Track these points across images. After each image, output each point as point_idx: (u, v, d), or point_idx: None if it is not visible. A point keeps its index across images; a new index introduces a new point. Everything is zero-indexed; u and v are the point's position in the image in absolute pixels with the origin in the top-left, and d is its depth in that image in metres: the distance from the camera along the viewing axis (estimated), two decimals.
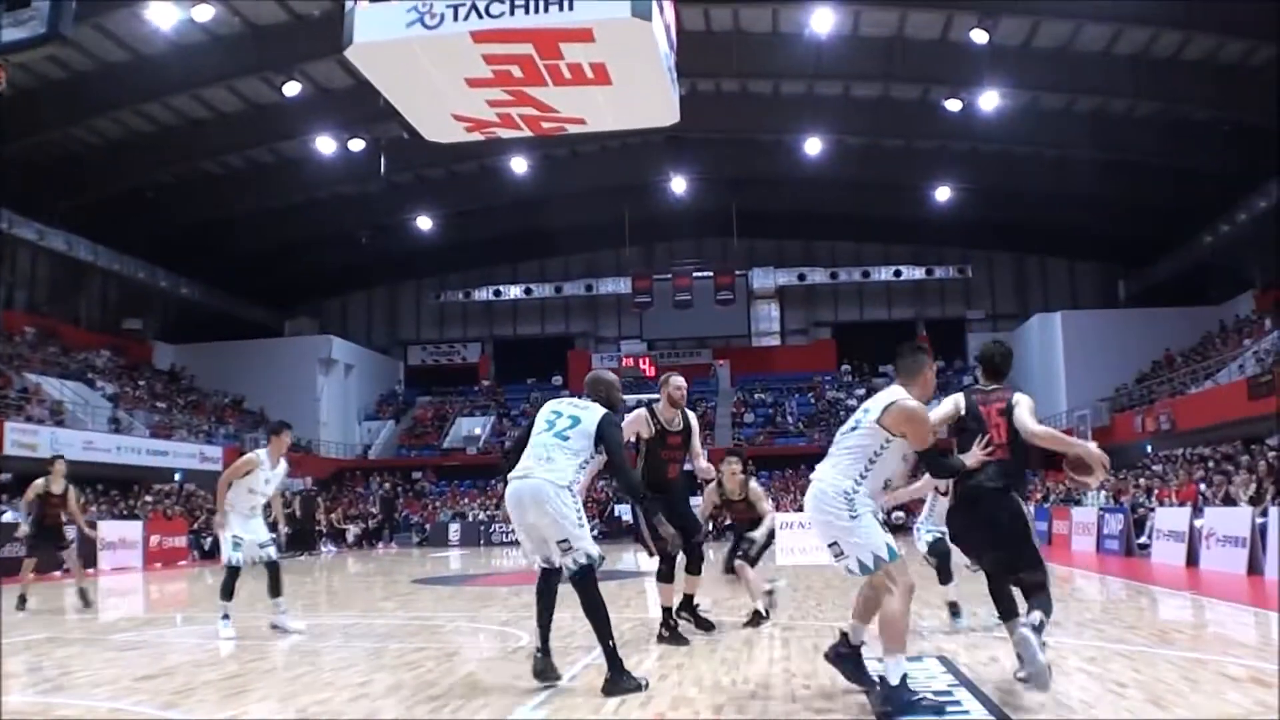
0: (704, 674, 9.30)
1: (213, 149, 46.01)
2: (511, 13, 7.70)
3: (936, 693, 7.94)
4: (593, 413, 9.24)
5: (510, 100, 8.80)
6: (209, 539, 39.00)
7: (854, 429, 8.07)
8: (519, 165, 48.44)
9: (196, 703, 8.74)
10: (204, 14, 35.03)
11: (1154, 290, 53.96)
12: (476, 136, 9.84)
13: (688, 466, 12.09)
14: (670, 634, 11.46)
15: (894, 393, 8.10)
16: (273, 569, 13.48)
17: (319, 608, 18.41)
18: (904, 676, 7.50)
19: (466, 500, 54.14)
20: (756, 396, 62.06)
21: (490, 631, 12.77)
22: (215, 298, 59.05)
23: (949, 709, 7.41)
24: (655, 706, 7.81)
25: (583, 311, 66.88)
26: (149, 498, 40.26)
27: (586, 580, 8.69)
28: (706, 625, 12.40)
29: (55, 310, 52.09)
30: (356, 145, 44.33)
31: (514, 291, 65.16)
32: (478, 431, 60.71)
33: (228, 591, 13.40)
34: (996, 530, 8.38)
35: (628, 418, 11.42)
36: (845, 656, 8.08)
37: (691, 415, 12.05)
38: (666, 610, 11.75)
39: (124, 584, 27.96)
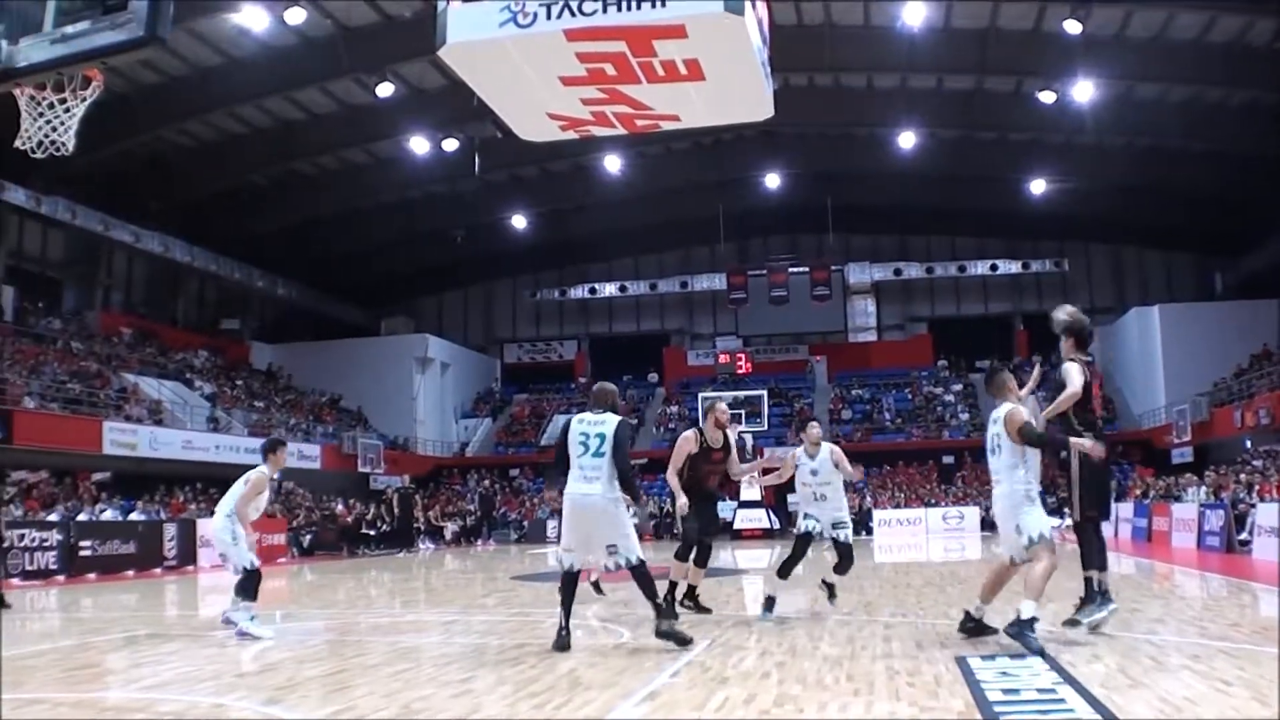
0: (807, 671, 9.21)
1: (307, 150, 46.36)
2: (604, 10, 7.68)
3: (1040, 690, 7.85)
4: (610, 423, 11.10)
5: (604, 98, 8.78)
6: (308, 536, 39.39)
7: (998, 450, 10.29)
8: (612, 163, 48.45)
9: (299, 699, 8.78)
10: (295, 17, 35.26)
11: (1251, 282, 52.93)
12: (571, 135, 9.85)
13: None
14: (666, 606, 11.55)
15: (1001, 410, 10.33)
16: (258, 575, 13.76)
17: (418, 604, 18.48)
18: (1033, 618, 9.59)
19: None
20: (854, 392, 61.35)
21: (590, 628, 12.75)
22: (311, 298, 59.54)
23: (1053, 707, 7.31)
24: (759, 704, 7.74)
25: (678, 308, 66.66)
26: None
27: (640, 569, 10.93)
28: (704, 610, 14.20)
29: (152, 311, 52.75)
30: (450, 145, 44.47)
31: (609, 289, 65.17)
32: None
33: (256, 593, 13.66)
34: None
35: (679, 439, 14.04)
36: (974, 629, 10.57)
37: (732, 434, 14.05)
38: (673, 585, 13.12)
39: (224, 581, 28.21)
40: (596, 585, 16.31)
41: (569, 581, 11.27)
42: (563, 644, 10.98)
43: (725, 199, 53.72)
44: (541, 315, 68.39)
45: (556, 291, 65.86)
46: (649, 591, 10.94)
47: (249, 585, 13.62)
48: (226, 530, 13.74)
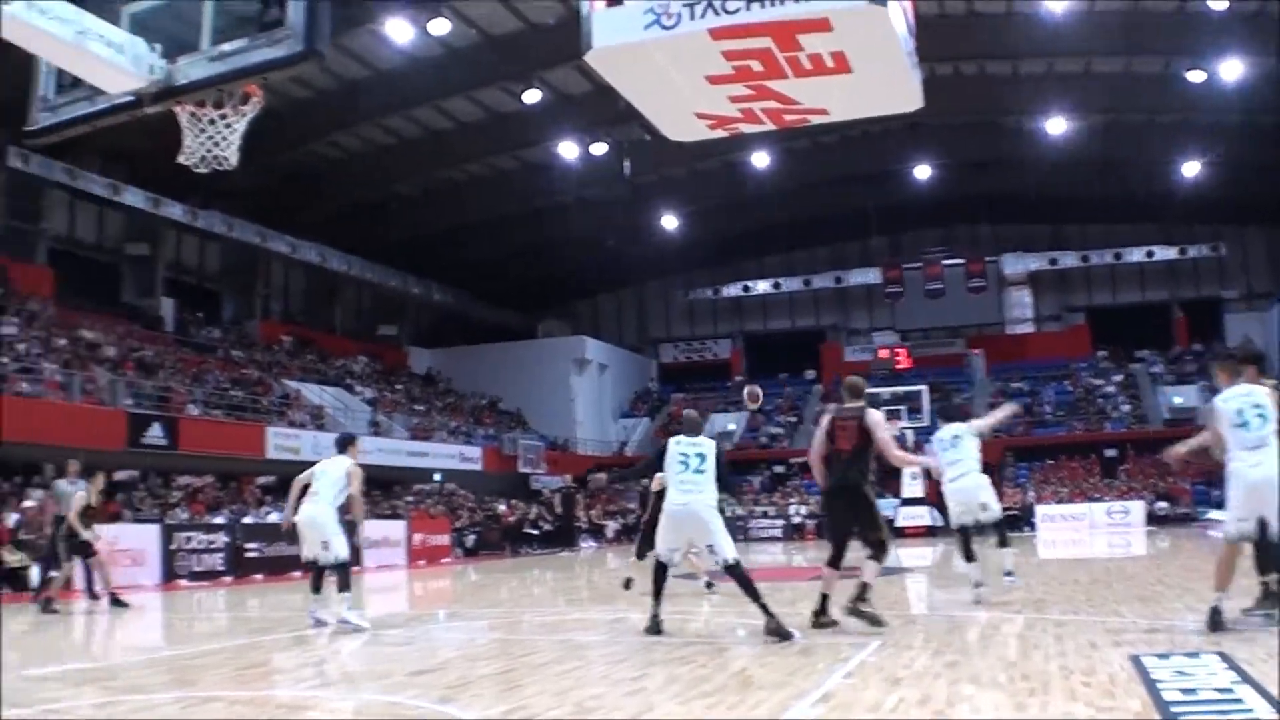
0: (980, 670, 9.07)
1: (457, 158, 46.96)
2: (748, 7, 7.60)
3: (1219, 689, 7.63)
4: (709, 445, 12.76)
5: (752, 95, 8.70)
6: (471, 536, 39.78)
7: (1256, 422, 10.28)
8: (760, 159, 48.36)
9: (472, 697, 8.82)
10: (440, 28, 35.67)
11: None
12: (720, 133, 9.77)
13: None
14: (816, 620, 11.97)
15: (1251, 386, 10.50)
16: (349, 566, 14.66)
17: (583, 602, 18.52)
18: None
19: (724, 496, 54.05)
20: (1013, 386, 59.75)
21: (758, 627, 12.67)
22: (467, 303, 60.23)
23: (1232, 708, 7.10)
24: (933, 704, 7.63)
25: (832, 304, 66.37)
26: (410, 497, 41.15)
27: (736, 569, 12.12)
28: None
29: (310, 319, 53.84)
30: (599, 149, 44.69)
31: (762, 286, 65.01)
32: (731, 427, 60.60)
33: (350, 584, 14.49)
34: None
35: (880, 419, 12.39)
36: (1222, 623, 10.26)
37: (894, 429, 14.09)
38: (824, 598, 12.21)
39: (389, 581, 28.58)
40: (709, 584, 17.79)
41: (661, 572, 12.79)
42: (655, 628, 12.47)
43: (876, 192, 53.38)
44: (695, 314, 68.51)
45: (710, 290, 65.90)
46: (749, 592, 11.98)
47: (346, 577, 14.38)
48: (335, 520, 14.40)
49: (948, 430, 15.81)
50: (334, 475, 14.60)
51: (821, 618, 11.93)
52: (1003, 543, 15.86)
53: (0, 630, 8.34)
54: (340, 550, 14.37)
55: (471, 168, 49.15)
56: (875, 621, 11.64)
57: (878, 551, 12.07)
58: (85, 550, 19.52)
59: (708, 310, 68.26)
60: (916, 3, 8.52)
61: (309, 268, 51.17)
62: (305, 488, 14.62)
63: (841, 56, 8.02)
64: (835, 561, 12.22)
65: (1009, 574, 15.62)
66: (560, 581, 25.03)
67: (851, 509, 12.14)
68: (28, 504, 24.32)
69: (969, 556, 15.02)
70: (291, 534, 14.83)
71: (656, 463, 13.18)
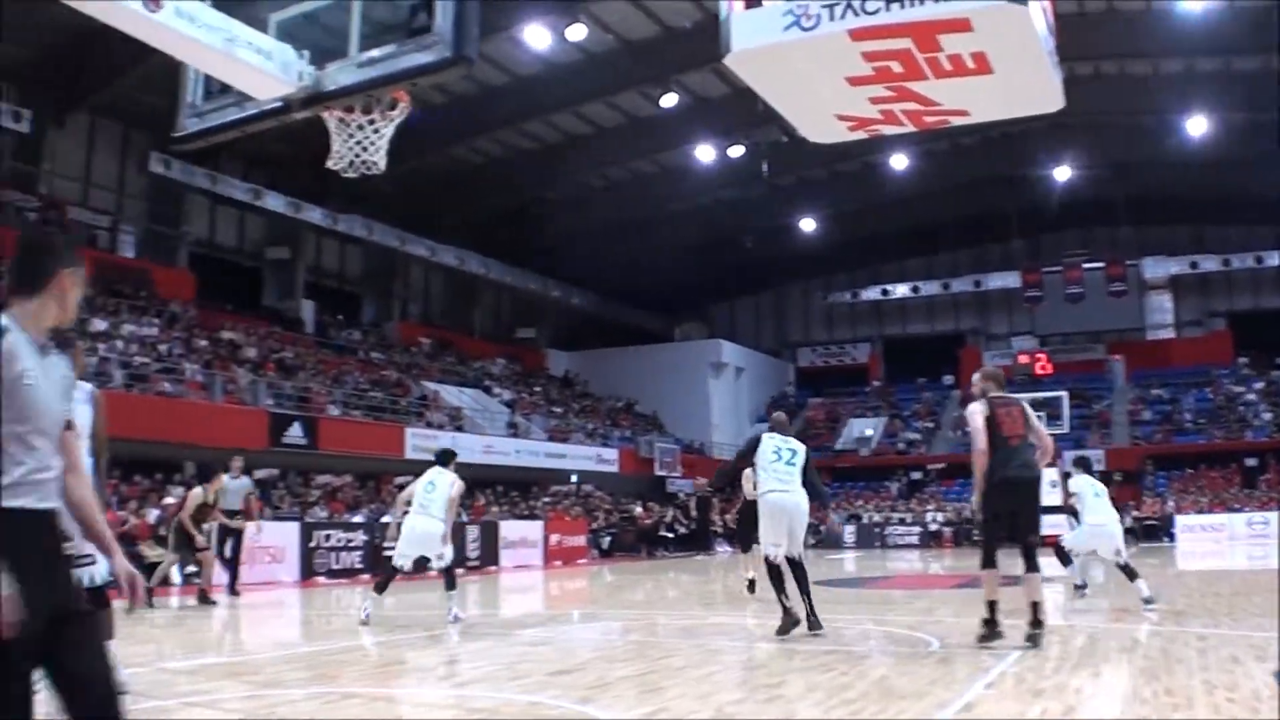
0: (1122, 684, 8.97)
1: (595, 163, 47.15)
2: (887, 8, 7.53)
3: None
4: (800, 446, 13.82)
5: (892, 96, 8.62)
6: (607, 538, 39.93)
7: None
8: (899, 161, 47.99)
9: (613, 698, 8.87)
10: (577, 34, 35.85)
11: None
12: (860, 135, 9.69)
13: None
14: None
15: None
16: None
17: (719, 606, 18.49)
18: None
19: (861, 502, 53.80)
20: (1153, 392, 58.77)
21: (897, 635, 12.56)
22: (605, 306, 60.50)
23: None
24: (1077, 717, 7.51)
25: (972, 308, 65.55)
26: (547, 498, 41.39)
27: (798, 564, 13.11)
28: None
29: (449, 322, 54.42)
30: (736, 151, 44.67)
31: (901, 290, 64.43)
32: (869, 433, 60.24)
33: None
34: None
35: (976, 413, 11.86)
36: None
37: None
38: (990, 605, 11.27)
39: (525, 581, 28.74)
40: (751, 585, 18.79)
41: (777, 572, 13.06)
42: (792, 623, 12.66)
43: (1015, 193, 52.70)
44: (834, 318, 68.18)
45: (848, 293, 65.54)
46: (803, 587, 12.91)
47: (452, 579, 15.68)
48: (444, 532, 15.35)
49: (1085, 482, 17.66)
50: (442, 490, 15.46)
51: (995, 628, 11.15)
52: (1131, 577, 15.68)
53: (109, 624, 8.45)
54: (449, 557, 15.53)
55: (610, 171, 49.36)
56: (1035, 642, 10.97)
57: (1035, 560, 11.35)
58: (191, 547, 20.07)
59: (846, 314, 67.83)
60: (1056, 1, 8.39)
61: (448, 271, 51.76)
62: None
63: (982, 57, 7.92)
64: (991, 559, 11.47)
65: (1148, 601, 15.25)
66: (696, 585, 25.03)
67: (1033, 502, 11.58)
68: (168, 500, 24.73)
69: (1067, 560, 17.00)
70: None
71: (749, 455, 13.76)
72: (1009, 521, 11.38)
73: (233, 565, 22.10)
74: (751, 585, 19.06)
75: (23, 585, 3.61)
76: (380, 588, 15.55)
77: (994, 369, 12.30)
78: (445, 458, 16.09)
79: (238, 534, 21.90)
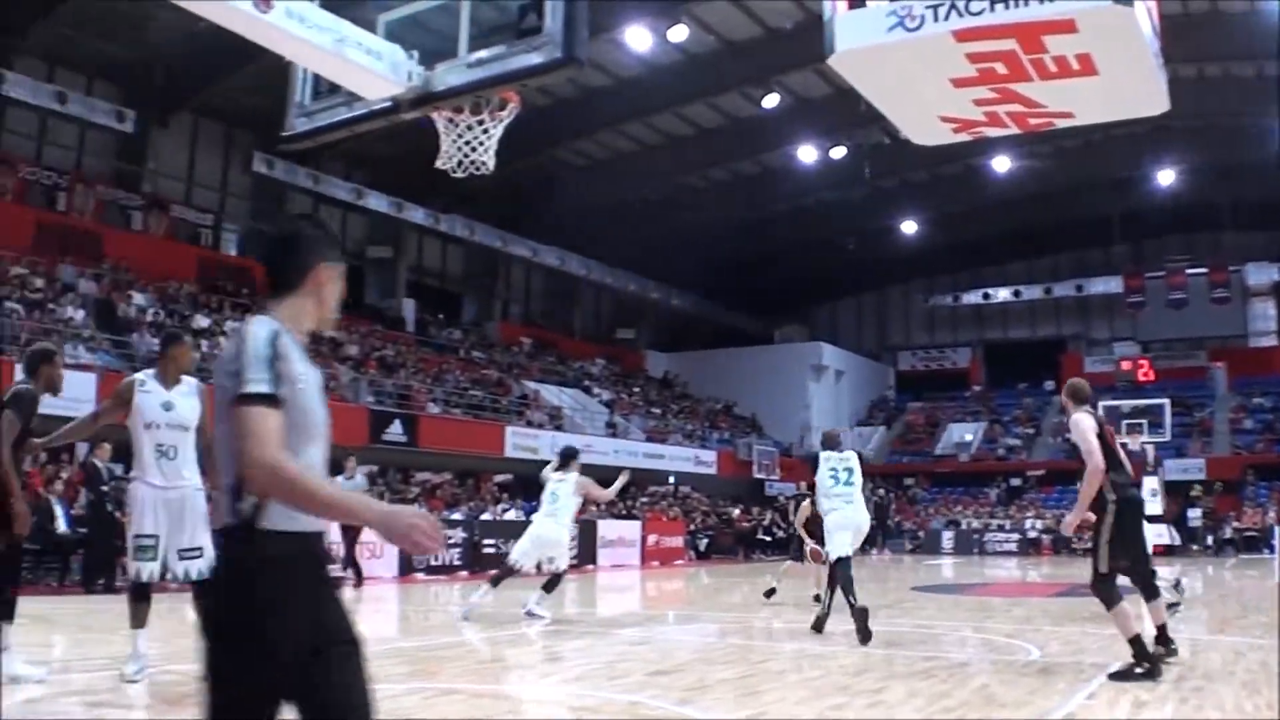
0: (1225, 698, 8.84)
1: (696, 164, 47.11)
2: (992, 9, 7.49)
3: None
4: (855, 458, 14.63)
5: (996, 98, 8.57)
6: (704, 539, 39.95)
7: None
8: (1001, 164, 47.58)
9: (713, 700, 8.90)
10: (678, 35, 35.86)
11: None
12: (964, 137, 9.65)
13: None
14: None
15: None
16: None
17: (815, 610, 18.42)
18: None
19: (960, 508, 53.46)
20: (1255, 401, 57.42)
21: (996, 644, 12.47)
22: (705, 307, 60.53)
23: None
24: None
25: (1073, 312, 64.73)
26: (644, 499, 41.44)
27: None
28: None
29: (550, 322, 54.77)
30: (838, 153, 44.51)
31: (1003, 294, 63.75)
32: (969, 438, 59.79)
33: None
34: None
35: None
36: None
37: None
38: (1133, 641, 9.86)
39: (623, 580, 28.79)
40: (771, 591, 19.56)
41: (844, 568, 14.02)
42: (864, 624, 12.99)
43: (1118, 197, 52.08)
44: (935, 321, 67.77)
45: (949, 297, 65.09)
46: (847, 590, 13.39)
47: (556, 584, 15.95)
48: (567, 538, 16.21)
49: None
50: (568, 493, 15.87)
51: (1169, 645, 10.46)
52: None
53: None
54: (563, 564, 15.94)
55: (711, 172, 49.34)
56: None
57: (1155, 585, 10.69)
58: None
59: (947, 317, 67.42)
60: (1161, 2, 8.31)
61: (549, 271, 52.09)
62: None
63: (1087, 58, 7.86)
64: (1151, 590, 10.61)
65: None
66: (794, 589, 24.98)
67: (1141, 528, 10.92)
68: None
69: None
70: None
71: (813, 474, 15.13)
72: (1132, 550, 10.46)
73: (352, 561, 22.91)
74: (770, 592, 20.01)
75: (287, 617, 3.56)
76: (495, 582, 15.83)
77: (1078, 382, 11.25)
78: (567, 458, 16.53)
79: (355, 531, 22.35)
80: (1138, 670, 9.58)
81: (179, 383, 9.40)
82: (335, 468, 21.68)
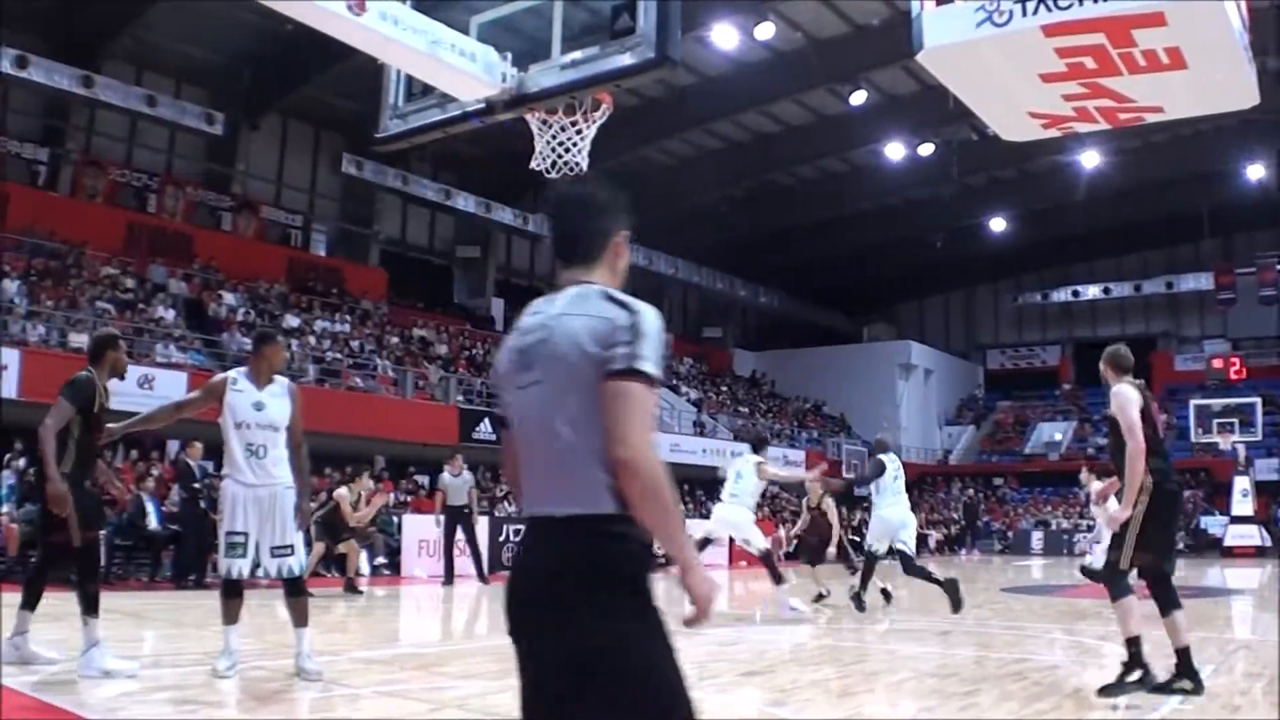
0: None
1: (783, 161, 47.06)
2: (1080, 3, 7.48)
3: None
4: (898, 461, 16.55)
5: (1085, 93, 8.54)
6: (794, 540, 39.97)
7: None
8: (1090, 160, 47.13)
9: (804, 702, 8.93)
10: (765, 32, 35.76)
11: None
12: (1053, 133, 9.62)
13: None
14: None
15: None
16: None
17: (909, 612, 18.38)
18: None
19: (1049, 508, 53.09)
20: None
21: (1088, 646, 12.41)
22: (792, 306, 60.43)
23: None
24: None
25: (1163, 310, 64.08)
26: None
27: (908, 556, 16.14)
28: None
29: None
30: (926, 150, 44.27)
31: (1092, 291, 63.24)
32: (1058, 437, 59.42)
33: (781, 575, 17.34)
34: None
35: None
36: None
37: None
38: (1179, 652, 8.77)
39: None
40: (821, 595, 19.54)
41: (872, 562, 16.95)
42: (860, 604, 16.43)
43: (1207, 192, 51.50)
44: (1023, 320, 67.35)
45: (1038, 295, 64.69)
46: (923, 573, 15.95)
47: (774, 569, 16.85)
48: (751, 519, 17.02)
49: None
50: (749, 476, 16.81)
51: (1146, 671, 8.70)
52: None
53: (303, 612, 8.84)
54: (760, 543, 17.24)
55: (799, 170, 49.30)
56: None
57: (1175, 593, 9.00)
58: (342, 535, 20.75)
59: (1036, 316, 66.97)
60: None
61: (636, 269, 51.76)
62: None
63: (1177, 52, 7.82)
64: (1171, 599, 8.89)
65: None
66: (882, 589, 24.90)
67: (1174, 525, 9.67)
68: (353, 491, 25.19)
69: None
70: None
71: (877, 477, 16.62)
72: (1160, 547, 9.05)
73: (475, 553, 23.80)
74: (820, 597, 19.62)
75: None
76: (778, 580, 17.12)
77: (1119, 349, 9.93)
78: (758, 443, 17.83)
79: (470, 526, 23.19)
80: (1129, 680, 8.67)
81: (271, 382, 9.52)
82: (436, 465, 22.01)
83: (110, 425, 9.51)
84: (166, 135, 37.09)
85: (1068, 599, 22.24)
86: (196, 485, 21.01)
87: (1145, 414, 9.02)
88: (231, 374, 9.61)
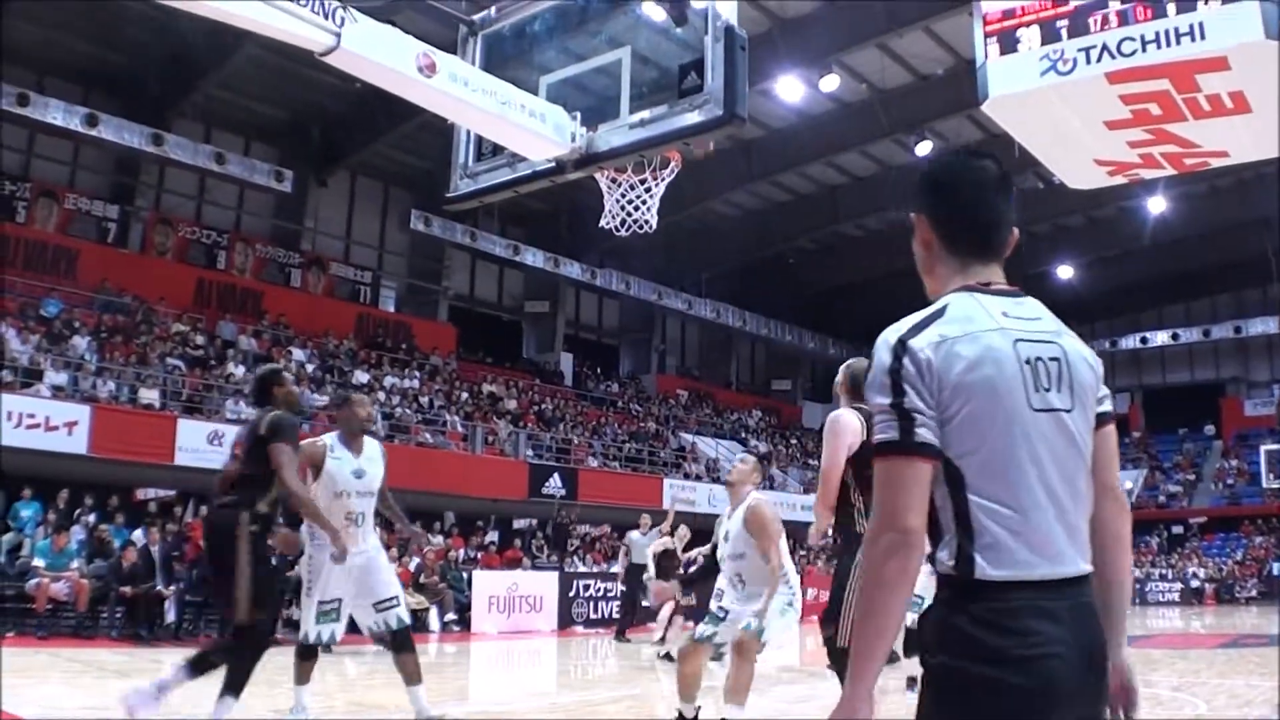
0: None
1: (850, 213, 47.00)
2: (1144, 49, 7.54)
3: None
4: None
5: (1150, 139, 8.59)
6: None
7: None
8: (1156, 205, 46.84)
9: None
10: (830, 84, 35.78)
11: None
12: (1120, 180, 9.65)
13: None
14: None
15: None
16: None
17: None
18: None
19: None
20: None
21: (1162, 697, 12.37)
22: (861, 357, 60.19)
23: None
24: None
25: (1232, 355, 63.42)
26: (801, 552, 41.35)
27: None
28: None
29: (706, 373, 54.86)
30: None
31: (1161, 337, 62.67)
32: (1129, 485, 58.72)
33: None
34: None
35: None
36: None
37: None
38: None
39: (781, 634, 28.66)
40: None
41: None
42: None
43: (1274, 235, 51.04)
44: None
45: (1106, 342, 64.20)
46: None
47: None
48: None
49: None
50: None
51: None
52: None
53: (414, 668, 8.85)
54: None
55: (867, 221, 49.24)
56: None
57: None
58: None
59: (1105, 362, 64.25)
60: None
61: (704, 323, 52.22)
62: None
63: (1240, 95, 7.87)
64: None
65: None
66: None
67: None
68: (427, 549, 25.30)
69: None
70: None
71: None
72: None
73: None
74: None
75: None
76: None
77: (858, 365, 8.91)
78: None
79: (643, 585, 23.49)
80: None
81: (362, 445, 9.54)
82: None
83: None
84: (236, 192, 37.45)
85: (1141, 649, 22.20)
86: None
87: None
88: (326, 439, 9.59)
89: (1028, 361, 3.13)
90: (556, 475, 34.54)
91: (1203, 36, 7.44)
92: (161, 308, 32.20)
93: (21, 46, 28.67)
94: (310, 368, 33.28)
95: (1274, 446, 46.66)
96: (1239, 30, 7.42)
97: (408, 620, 9.40)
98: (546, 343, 47.46)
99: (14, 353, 25.43)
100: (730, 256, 48.93)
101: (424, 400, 35.18)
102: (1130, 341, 62.89)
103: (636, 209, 8.97)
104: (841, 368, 9.02)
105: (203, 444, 25.79)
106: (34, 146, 32.89)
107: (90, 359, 27.37)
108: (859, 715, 2.82)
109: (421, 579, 24.46)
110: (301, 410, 9.51)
